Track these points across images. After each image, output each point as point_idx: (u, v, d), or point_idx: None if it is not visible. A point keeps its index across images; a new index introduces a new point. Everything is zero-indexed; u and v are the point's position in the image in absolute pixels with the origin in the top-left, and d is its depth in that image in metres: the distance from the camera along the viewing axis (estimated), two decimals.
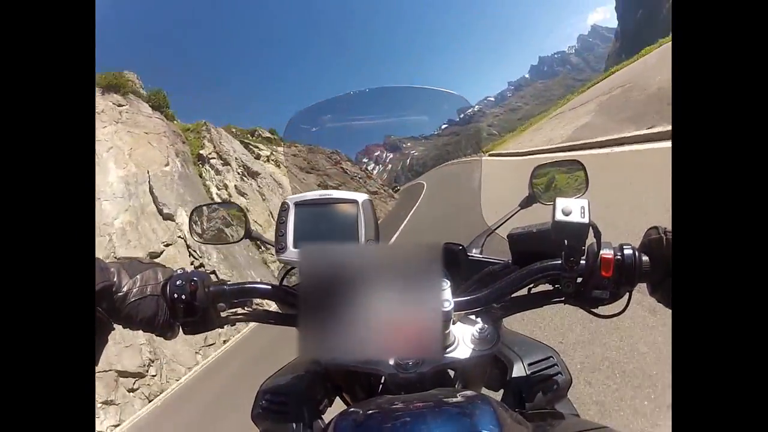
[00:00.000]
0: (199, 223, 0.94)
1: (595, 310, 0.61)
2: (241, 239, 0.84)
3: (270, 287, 0.69)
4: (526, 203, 0.93)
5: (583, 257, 0.55)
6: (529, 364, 0.69)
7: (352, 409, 0.43)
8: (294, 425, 0.66)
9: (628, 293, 0.58)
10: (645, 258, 0.55)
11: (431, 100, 1.04)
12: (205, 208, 0.97)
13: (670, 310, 0.47)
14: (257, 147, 18.52)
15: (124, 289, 0.61)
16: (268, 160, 18.17)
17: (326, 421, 0.58)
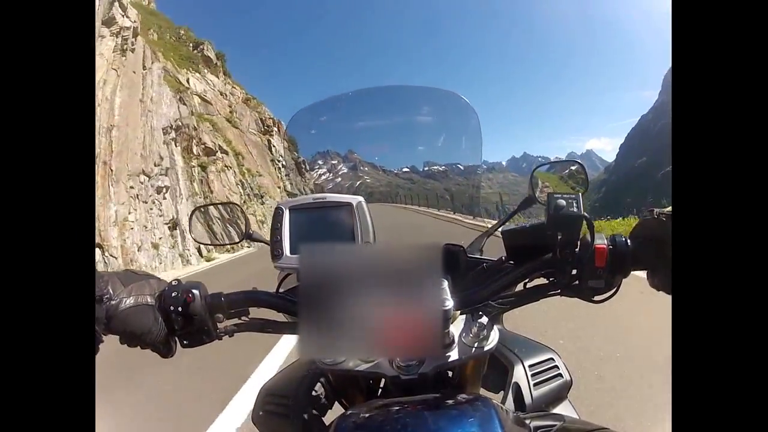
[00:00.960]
0: (198, 223, 0.92)
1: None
2: (240, 240, 0.85)
3: (268, 295, 0.69)
4: (526, 204, 0.95)
5: (577, 249, 0.58)
6: (530, 366, 0.73)
7: (352, 412, 0.45)
8: (294, 427, 0.68)
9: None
10: (639, 245, 0.58)
11: (436, 102, 1.06)
12: (204, 208, 0.96)
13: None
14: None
15: (117, 298, 0.60)
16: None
17: (327, 424, 0.59)
